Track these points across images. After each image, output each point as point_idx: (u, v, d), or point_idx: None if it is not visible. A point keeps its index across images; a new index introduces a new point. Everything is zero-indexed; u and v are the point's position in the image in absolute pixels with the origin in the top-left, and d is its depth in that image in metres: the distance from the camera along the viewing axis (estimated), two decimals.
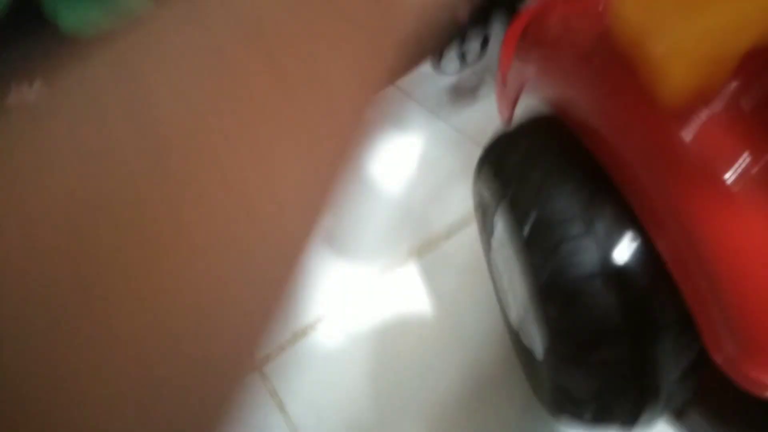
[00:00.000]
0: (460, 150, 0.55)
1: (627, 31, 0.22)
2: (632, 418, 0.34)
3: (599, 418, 0.35)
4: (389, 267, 0.52)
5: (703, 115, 0.24)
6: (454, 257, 0.51)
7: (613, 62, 0.27)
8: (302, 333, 0.49)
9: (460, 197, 0.52)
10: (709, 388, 0.30)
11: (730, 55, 0.22)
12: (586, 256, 0.28)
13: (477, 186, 0.37)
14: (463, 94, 0.62)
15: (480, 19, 0.59)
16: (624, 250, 0.28)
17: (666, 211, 0.26)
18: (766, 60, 0.24)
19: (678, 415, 0.36)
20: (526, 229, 0.31)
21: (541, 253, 0.30)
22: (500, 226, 0.35)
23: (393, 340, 0.46)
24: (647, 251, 0.27)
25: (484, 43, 0.59)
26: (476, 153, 0.38)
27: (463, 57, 0.61)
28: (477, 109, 0.60)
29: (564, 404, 0.36)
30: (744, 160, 0.23)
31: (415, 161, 0.59)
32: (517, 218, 0.32)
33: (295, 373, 0.47)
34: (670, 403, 0.32)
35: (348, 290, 0.51)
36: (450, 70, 0.61)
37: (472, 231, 0.50)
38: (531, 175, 0.32)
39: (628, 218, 0.28)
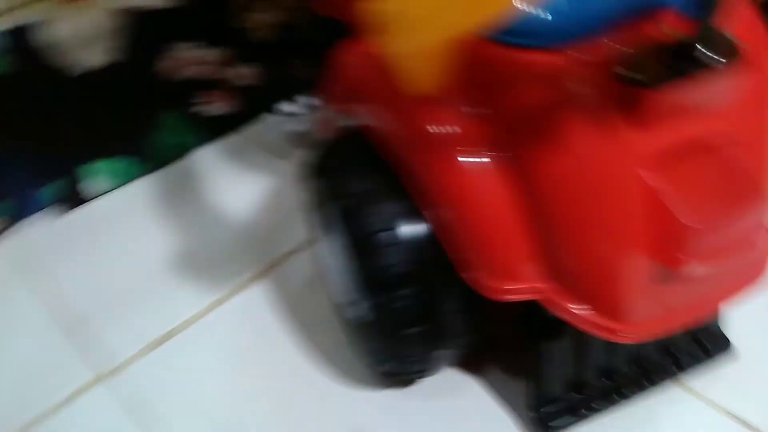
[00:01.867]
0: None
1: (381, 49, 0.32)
2: (425, 365, 0.44)
3: (402, 370, 0.45)
4: (237, 287, 0.59)
5: (432, 102, 0.35)
6: (296, 275, 0.60)
7: (380, 77, 0.38)
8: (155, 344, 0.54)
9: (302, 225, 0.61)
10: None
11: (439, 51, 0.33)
12: (383, 229, 0.39)
13: (307, 186, 0.46)
14: (300, 135, 0.72)
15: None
16: (406, 223, 0.38)
17: (420, 181, 0.37)
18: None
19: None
20: (342, 214, 0.41)
21: (351, 233, 0.40)
22: (325, 218, 0.45)
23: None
24: (420, 222, 0.38)
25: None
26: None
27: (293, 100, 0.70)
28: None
29: (381, 363, 0.46)
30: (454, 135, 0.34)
31: (259, 197, 0.68)
32: (336, 208, 0.41)
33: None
34: (455, 341, 0.43)
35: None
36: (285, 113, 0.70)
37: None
38: (345, 172, 0.42)
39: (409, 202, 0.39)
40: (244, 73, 0.75)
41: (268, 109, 0.76)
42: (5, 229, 0.66)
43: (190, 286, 0.59)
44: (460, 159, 0.33)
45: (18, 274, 0.63)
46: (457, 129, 0.34)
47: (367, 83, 0.39)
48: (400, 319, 0.39)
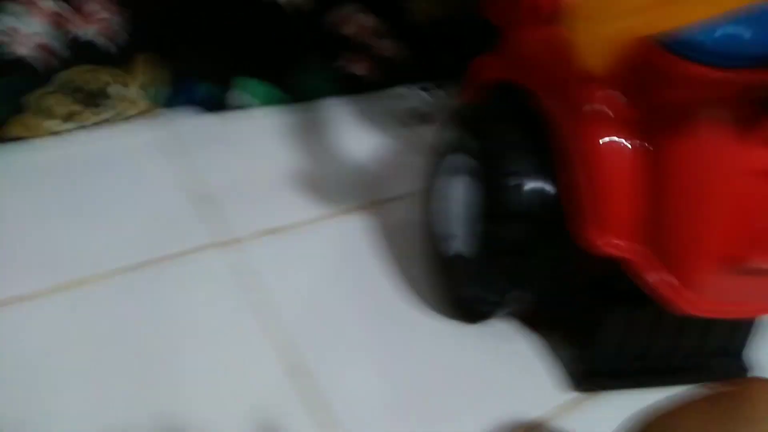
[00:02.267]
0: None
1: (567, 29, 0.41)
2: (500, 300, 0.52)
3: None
4: (342, 211, 0.68)
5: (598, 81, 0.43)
6: (392, 217, 0.68)
7: (556, 51, 0.46)
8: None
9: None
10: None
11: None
12: (515, 172, 0.47)
13: (447, 132, 0.55)
14: (422, 113, 0.81)
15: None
16: (536, 173, 0.47)
17: (568, 144, 0.45)
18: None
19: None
20: (484, 156, 0.49)
21: (487, 173, 0.49)
22: (456, 162, 0.53)
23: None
24: (549, 177, 0.47)
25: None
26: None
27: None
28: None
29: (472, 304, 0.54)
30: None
31: (374, 150, 0.77)
32: (479, 151, 0.50)
33: None
34: (535, 285, 0.50)
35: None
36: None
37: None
38: (492, 123, 0.50)
39: (544, 158, 0.47)
40: (392, 47, 0.84)
41: (401, 84, 0.85)
42: (151, 112, 0.76)
43: (304, 196, 0.68)
44: (605, 134, 0.42)
45: (160, 151, 0.73)
46: (609, 111, 0.42)
47: (538, 57, 0.48)
48: (502, 248, 0.47)
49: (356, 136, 0.79)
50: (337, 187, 0.70)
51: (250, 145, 0.75)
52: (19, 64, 0.64)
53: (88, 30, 0.66)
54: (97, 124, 0.73)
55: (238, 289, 0.58)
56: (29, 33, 0.63)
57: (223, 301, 0.57)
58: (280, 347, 0.54)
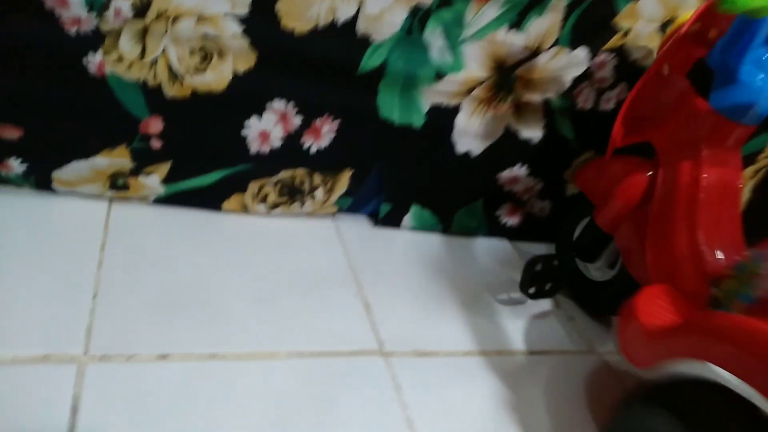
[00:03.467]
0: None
1: None
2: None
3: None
4: None
5: None
6: None
7: None
8: None
9: None
10: None
11: None
12: None
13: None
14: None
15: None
16: None
17: None
18: None
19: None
20: None
21: None
22: None
23: None
24: None
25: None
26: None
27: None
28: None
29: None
30: None
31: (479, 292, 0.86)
32: None
33: None
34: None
35: None
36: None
37: None
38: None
39: None
40: (544, 207, 0.95)
41: (541, 240, 0.95)
42: (333, 215, 0.88)
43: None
44: None
45: (328, 241, 0.84)
46: None
47: None
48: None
49: (472, 276, 0.88)
50: (473, 328, 0.78)
51: (409, 264, 0.85)
52: (256, 156, 0.77)
53: (315, 142, 0.79)
54: (288, 212, 0.85)
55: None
56: (272, 136, 0.76)
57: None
58: None
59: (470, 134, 0.84)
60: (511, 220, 0.95)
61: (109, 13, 0.63)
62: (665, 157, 0.67)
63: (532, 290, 0.81)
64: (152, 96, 0.69)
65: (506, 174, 0.90)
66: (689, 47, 0.64)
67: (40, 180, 0.73)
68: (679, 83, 0.65)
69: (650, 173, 0.71)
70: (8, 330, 0.58)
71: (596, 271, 0.85)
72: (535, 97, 0.83)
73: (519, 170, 0.90)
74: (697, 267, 0.59)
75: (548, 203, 0.95)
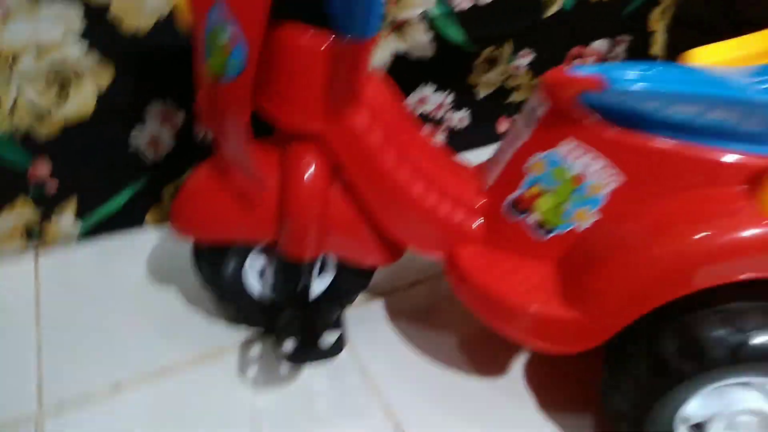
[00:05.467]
0: None
1: None
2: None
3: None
4: None
5: None
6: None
7: None
8: None
9: None
10: None
11: None
12: None
13: None
14: None
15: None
16: None
17: None
18: None
19: None
20: None
21: None
22: None
23: None
24: None
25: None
26: None
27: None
28: None
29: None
30: None
31: None
32: None
33: None
34: None
35: None
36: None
37: None
38: None
39: None
40: (461, 118, 0.94)
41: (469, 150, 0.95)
42: None
43: None
44: None
45: None
46: None
47: None
48: None
49: None
50: None
51: None
52: (155, 164, 0.76)
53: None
54: None
55: None
56: (162, 139, 0.75)
57: None
58: None
59: None
60: (437, 140, 0.95)
61: None
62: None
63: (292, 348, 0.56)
64: (27, 142, 0.68)
65: (413, 98, 0.89)
66: None
67: None
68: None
69: (309, 156, 0.50)
70: None
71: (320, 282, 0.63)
72: (412, 13, 0.81)
73: (424, 90, 0.89)
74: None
75: (465, 112, 0.94)
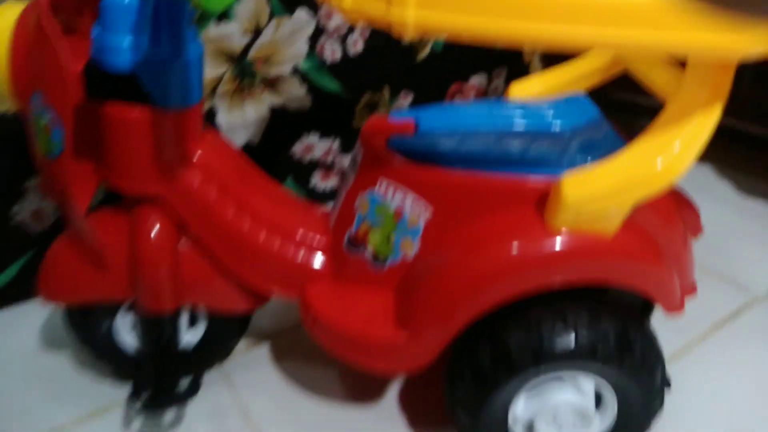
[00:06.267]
0: None
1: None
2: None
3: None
4: None
5: None
6: None
7: None
8: None
9: None
10: None
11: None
12: None
13: None
14: None
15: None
16: None
17: None
18: None
19: None
20: None
21: None
22: None
23: None
24: None
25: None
26: None
27: None
28: None
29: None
30: None
31: None
32: None
33: None
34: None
35: None
36: None
37: None
38: None
39: None
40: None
41: None
42: None
43: None
44: None
45: None
46: None
47: None
48: None
49: None
50: None
51: None
52: (41, 234, 0.78)
53: None
54: None
55: None
56: (46, 212, 0.78)
57: None
58: None
59: (240, 127, 0.87)
60: (329, 184, 0.99)
61: None
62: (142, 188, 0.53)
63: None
64: None
65: (299, 147, 0.94)
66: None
67: None
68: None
69: (153, 216, 0.53)
70: None
71: (190, 335, 0.66)
72: (282, 69, 0.86)
73: (309, 138, 0.94)
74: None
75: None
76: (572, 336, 0.47)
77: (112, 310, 0.61)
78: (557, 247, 0.46)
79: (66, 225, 0.56)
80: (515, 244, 0.47)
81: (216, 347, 0.66)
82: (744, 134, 1.09)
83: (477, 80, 1.07)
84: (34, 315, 0.79)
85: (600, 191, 0.44)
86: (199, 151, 0.53)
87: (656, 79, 0.54)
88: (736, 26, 0.35)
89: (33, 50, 0.46)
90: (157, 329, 0.58)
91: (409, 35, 0.38)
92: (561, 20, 0.36)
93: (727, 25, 0.35)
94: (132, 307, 0.62)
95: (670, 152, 0.43)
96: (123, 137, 0.49)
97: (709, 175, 1.07)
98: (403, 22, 0.37)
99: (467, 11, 0.36)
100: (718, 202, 1.00)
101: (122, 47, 0.43)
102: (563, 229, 0.46)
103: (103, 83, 0.47)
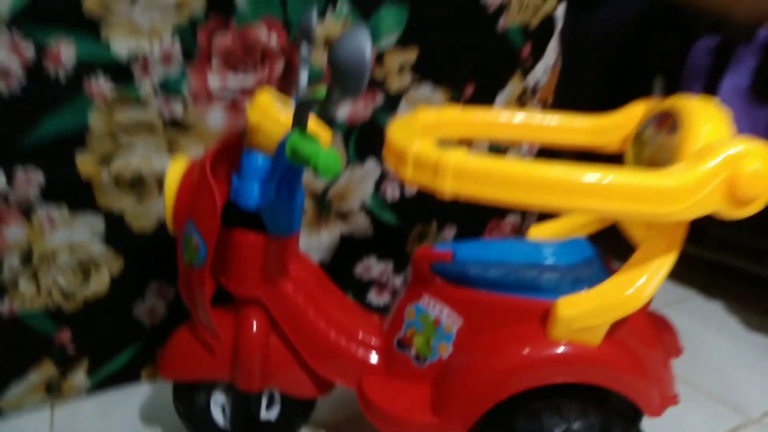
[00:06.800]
0: None
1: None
2: None
3: None
4: None
5: None
6: None
7: None
8: None
9: None
10: None
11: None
12: None
13: None
14: None
15: None
16: None
17: None
18: None
19: None
20: None
21: None
22: None
23: None
24: None
25: None
26: None
27: None
28: None
29: None
30: None
31: None
32: None
33: None
34: None
35: None
36: None
37: None
38: None
39: None
40: (401, 280, 1.16)
41: None
42: None
43: None
44: None
45: None
46: None
47: None
48: None
49: None
50: None
51: None
52: (152, 329, 0.97)
53: None
54: None
55: None
56: (156, 310, 0.97)
57: None
58: None
59: (316, 248, 1.07)
60: (382, 299, 1.17)
61: (5, 270, 0.85)
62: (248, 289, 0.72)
63: None
64: (56, 315, 0.90)
65: (360, 267, 1.12)
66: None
67: None
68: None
69: (254, 314, 0.72)
70: None
71: (268, 414, 0.81)
72: (352, 204, 1.07)
73: (369, 260, 1.13)
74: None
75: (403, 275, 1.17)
76: (565, 425, 0.61)
77: (209, 388, 0.78)
78: (555, 353, 0.61)
79: (191, 317, 0.74)
80: (524, 350, 0.63)
81: (287, 426, 0.82)
82: (751, 274, 1.22)
83: (512, 218, 1.25)
84: (138, 397, 0.96)
85: (586, 311, 0.60)
86: (293, 267, 0.72)
87: (633, 231, 0.70)
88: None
89: (193, 189, 0.68)
90: (246, 404, 0.74)
91: (448, 198, 0.57)
92: (560, 196, 0.54)
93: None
94: (226, 389, 0.78)
95: (636, 284, 0.59)
96: (242, 254, 0.69)
97: (718, 311, 1.20)
98: (443, 190, 0.56)
99: (489, 186, 0.55)
100: (724, 334, 1.12)
101: (253, 194, 0.63)
102: (560, 339, 0.62)
103: (234, 216, 0.67)
